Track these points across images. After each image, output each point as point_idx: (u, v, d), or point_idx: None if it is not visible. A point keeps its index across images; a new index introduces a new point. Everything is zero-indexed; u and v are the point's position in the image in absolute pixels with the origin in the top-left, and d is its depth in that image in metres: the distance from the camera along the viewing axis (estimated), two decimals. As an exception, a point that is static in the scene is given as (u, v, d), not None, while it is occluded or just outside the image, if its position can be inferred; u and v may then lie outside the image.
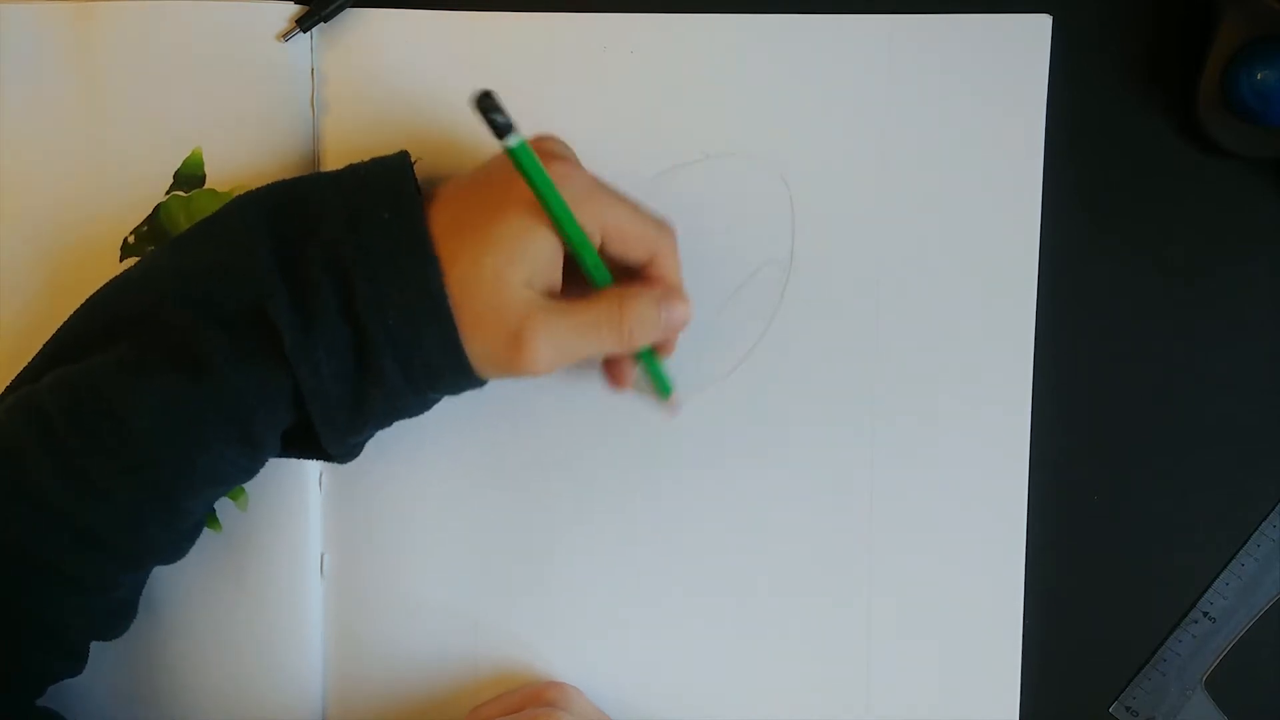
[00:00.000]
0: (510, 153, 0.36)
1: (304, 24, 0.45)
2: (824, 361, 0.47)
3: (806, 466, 0.47)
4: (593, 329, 0.39)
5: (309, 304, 0.37)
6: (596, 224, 0.39)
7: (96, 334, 0.39)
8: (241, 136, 0.45)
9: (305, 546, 0.47)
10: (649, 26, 0.46)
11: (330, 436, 0.39)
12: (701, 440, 0.47)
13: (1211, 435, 0.48)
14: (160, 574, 0.46)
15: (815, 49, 0.46)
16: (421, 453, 0.47)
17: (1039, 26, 0.46)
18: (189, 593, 0.46)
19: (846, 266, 0.47)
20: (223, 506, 0.46)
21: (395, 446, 0.47)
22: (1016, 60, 0.46)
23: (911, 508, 0.47)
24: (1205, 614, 0.48)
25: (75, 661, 0.41)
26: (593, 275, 0.40)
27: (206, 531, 0.46)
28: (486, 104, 0.34)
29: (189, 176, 0.46)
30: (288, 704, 0.47)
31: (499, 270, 0.37)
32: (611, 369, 0.45)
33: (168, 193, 0.46)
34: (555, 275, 0.39)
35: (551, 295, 0.39)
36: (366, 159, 0.41)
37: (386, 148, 0.46)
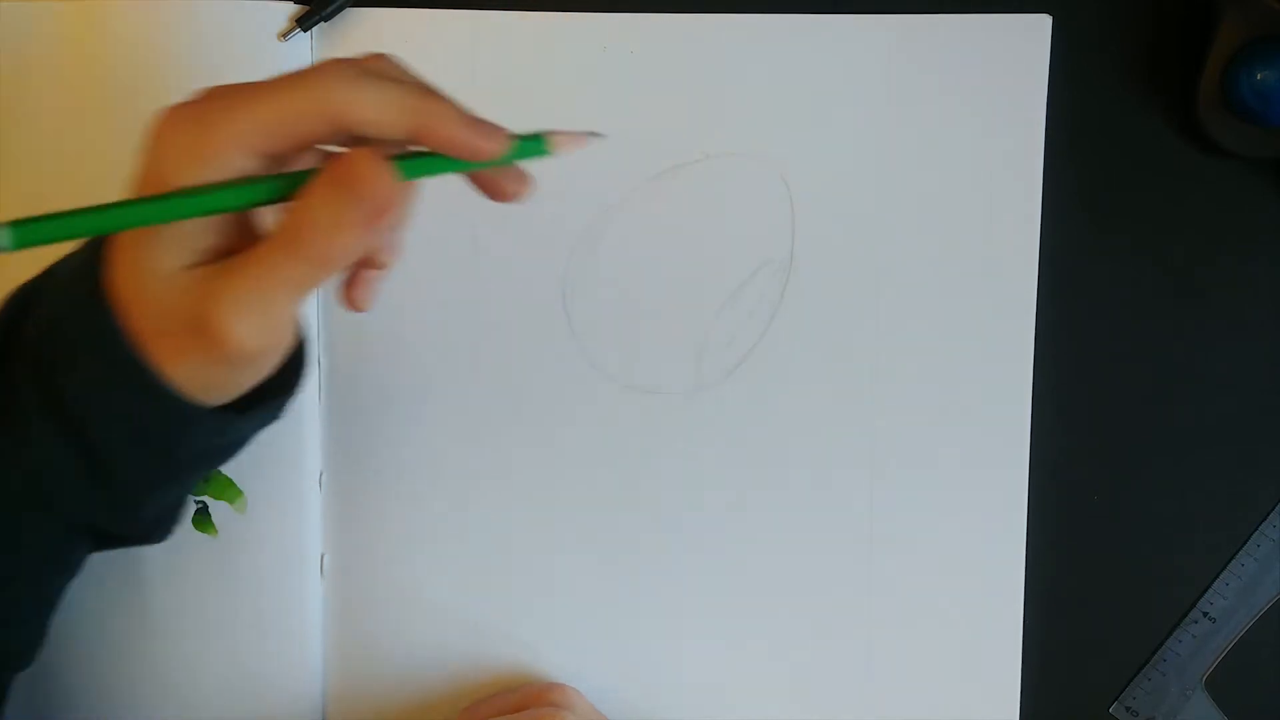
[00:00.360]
0: (24, 247, 0.29)
1: (304, 23, 0.45)
2: (824, 361, 0.47)
3: (806, 466, 0.47)
4: (270, 273, 0.30)
5: (9, 411, 0.33)
6: (229, 161, 0.29)
7: None
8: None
9: (305, 546, 0.47)
10: (649, 26, 0.46)
11: (120, 524, 0.35)
12: (701, 440, 0.47)
13: (1211, 435, 0.48)
14: (160, 574, 0.46)
15: (815, 49, 0.46)
16: (421, 453, 0.47)
17: (1039, 26, 0.46)
18: (189, 593, 0.46)
19: (846, 266, 0.47)
20: (221, 509, 0.46)
21: (395, 447, 0.47)
22: (1016, 60, 0.46)
23: (911, 508, 0.47)
24: (1205, 614, 0.48)
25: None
26: (269, 203, 0.31)
27: (204, 534, 0.46)
28: None
29: (187, 176, 0.45)
30: (288, 704, 0.47)
31: (152, 268, 0.30)
32: (346, 291, 0.36)
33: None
34: (221, 231, 0.31)
35: (229, 253, 0.31)
36: None
37: (386, 147, 0.46)
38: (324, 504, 0.47)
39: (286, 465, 0.46)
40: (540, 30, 0.46)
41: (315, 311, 0.47)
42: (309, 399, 0.46)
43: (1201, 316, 0.47)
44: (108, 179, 0.44)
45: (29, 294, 0.35)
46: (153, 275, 0.30)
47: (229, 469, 0.46)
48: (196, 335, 0.30)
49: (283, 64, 0.45)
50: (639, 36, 0.46)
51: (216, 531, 0.46)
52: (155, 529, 0.38)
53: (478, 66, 0.46)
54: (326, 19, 0.45)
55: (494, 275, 0.47)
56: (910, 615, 0.47)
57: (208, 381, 0.32)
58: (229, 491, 0.46)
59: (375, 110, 0.30)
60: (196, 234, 0.30)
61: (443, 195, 0.47)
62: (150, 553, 0.46)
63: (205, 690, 0.46)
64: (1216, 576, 0.48)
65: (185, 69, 0.45)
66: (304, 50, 0.46)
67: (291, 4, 0.46)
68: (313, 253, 0.30)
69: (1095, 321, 0.47)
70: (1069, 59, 0.46)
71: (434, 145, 0.31)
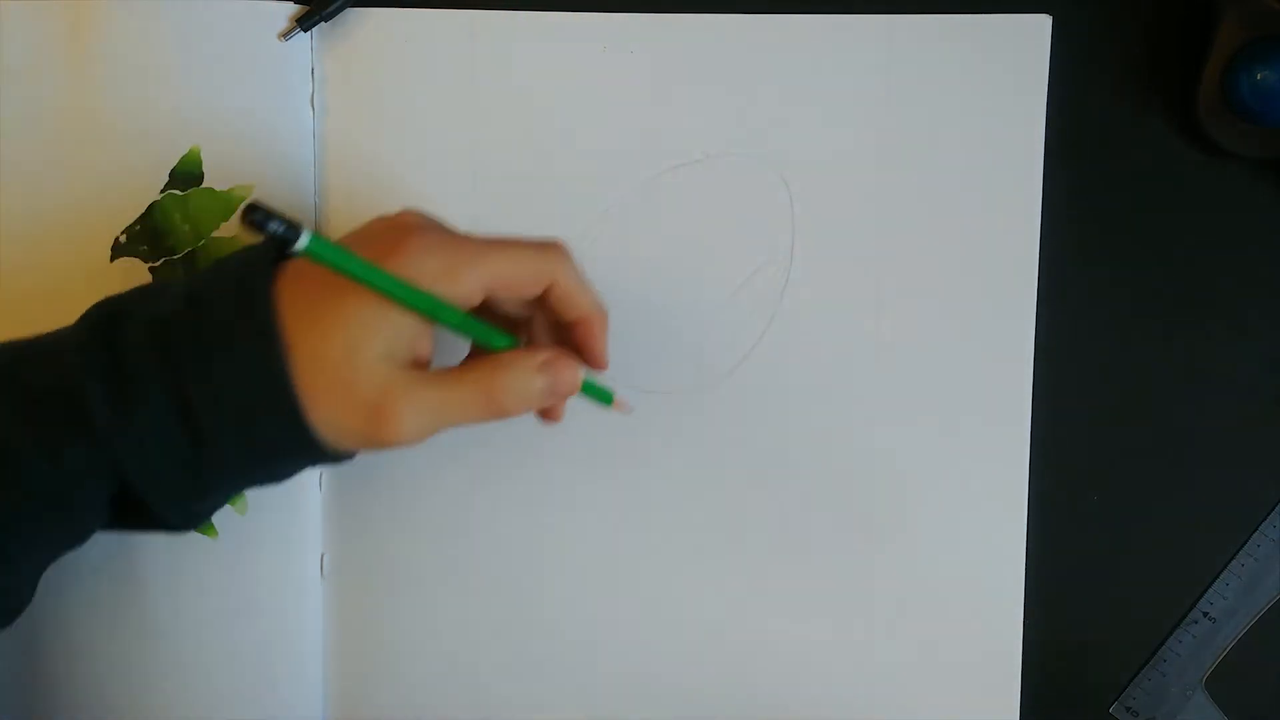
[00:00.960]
0: (309, 256, 0.33)
1: (304, 23, 0.45)
2: (824, 361, 0.47)
3: (806, 466, 0.47)
4: (457, 404, 0.37)
5: (127, 382, 0.35)
6: (474, 288, 0.36)
7: None
8: (241, 135, 0.45)
9: (305, 546, 0.47)
10: (649, 26, 0.46)
11: (169, 509, 0.37)
12: (701, 440, 0.47)
13: (1211, 435, 0.48)
14: (160, 574, 0.46)
15: (815, 49, 0.46)
16: (421, 452, 0.47)
17: (1039, 26, 0.46)
18: (189, 593, 0.46)
19: (846, 266, 0.47)
20: (222, 509, 0.46)
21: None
22: (1016, 60, 0.46)
23: (911, 507, 0.47)
24: (1205, 614, 0.48)
25: None
26: (480, 342, 0.38)
27: (204, 536, 0.46)
28: (258, 218, 0.31)
29: (186, 175, 0.46)
30: (288, 704, 0.47)
31: (351, 347, 0.35)
32: (540, 413, 0.42)
33: (163, 191, 0.46)
34: (423, 346, 0.37)
35: (420, 365, 0.37)
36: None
37: (386, 146, 0.46)
38: (324, 504, 0.47)
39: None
40: (540, 30, 0.46)
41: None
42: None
43: (1201, 317, 0.47)
44: (109, 179, 0.44)
45: (154, 290, 0.37)
46: (355, 351, 0.35)
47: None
48: (367, 413, 0.36)
49: (283, 64, 0.45)
50: (639, 36, 0.46)
51: (217, 533, 0.46)
52: (196, 522, 0.40)
53: (478, 66, 0.46)
54: (327, 19, 0.45)
55: (494, 275, 0.47)
56: (910, 615, 0.47)
57: (340, 437, 0.36)
58: (229, 491, 0.46)
59: (579, 295, 0.39)
60: (410, 339, 0.36)
61: (443, 194, 0.47)
62: (150, 553, 0.46)
63: (205, 690, 0.46)
64: (1216, 576, 0.48)
65: (186, 69, 0.45)
66: (304, 49, 0.46)
67: (291, 4, 0.46)
68: (498, 407, 0.37)
69: (1095, 322, 0.47)
70: (1069, 59, 0.46)
71: (584, 342, 0.40)
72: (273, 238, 0.32)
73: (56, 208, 0.45)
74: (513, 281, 0.37)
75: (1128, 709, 0.48)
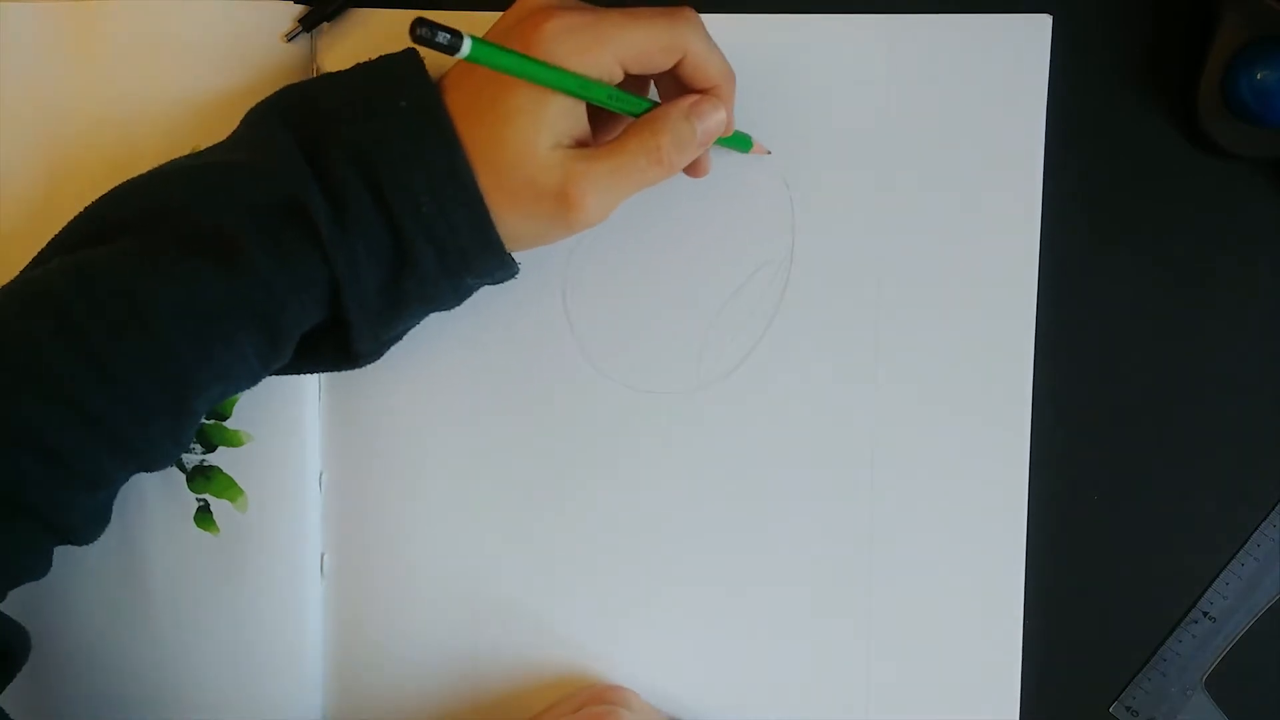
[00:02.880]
0: (472, 61, 0.35)
1: (307, 23, 0.45)
2: (824, 361, 0.47)
3: (806, 466, 0.47)
4: (633, 167, 0.39)
5: (341, 196, 0.37)
6: (611, 64, 0.38)
7: (110, 227, 0.38)
8: (241, 136, 0.45)
9: (305, 546, 0.47)
10: (649, 26, 0.46)
11: (363, 331, 0.39)
12: (701, 440, 0.47)
13: (1211, 435, 0.48)
14: (160, 573, 0.46)
15: (815, 49, 0.46)
16: (421, 453, 0.47)
17: (1039, 26, 0.46)
18: (189, 593, 0.46)
19: (846, 267, 0.47)
20: (221, 508, 0.46)
21: (395, 447, 0.47)
22: (1016, 60, 0.46)
23: (911, 507, 0.47)
24: (1205, 614, 0.48)
25: (43, 562, 0.40)
26: (621, 111, 0.40)
27: (205, 534, 0.46)
28: (424, 33, 0.32)
29: (188, 176, 0.46)
30: (288, 704, 0.47)
31: (521, 141, 0.37)
32: (687, 168, 0.44)
33: (166, 192, 0.46)
34: (581, 126, 0.39)
35: (584, 144, 0.39)
36: (374, 59, 0.41)
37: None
38: (324, 504, 0.47)
39: (286, 465, 0.46)
40: (540, 30, 0.46)
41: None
42: (309, 399, 0.46)
43: (1201, 316, 0.47)
44: (109, 179, 0.44)
45: (317, 100, 0.40)
46: (526, 145, 0.37)
47: (230, 468, 0.46)
48: (553, 202, 0.38)
49: (285, 65, 0.45)
50: (639, 36, 0.46)
51: (218, 530, 0.46)
52: (378, 353, 0.42)
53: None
54: (330, 18, 0.45)
55: (494, 275, 0.47)
56: (910, 615, 0.47)
57: (520, 236, 0.39)
58: (230, 490, 0.46)
59: (709, 62, 0.40)
60: (569, 122, 0.38)
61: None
62: (150, 551, 0.46)
63: (205, 690, 0.46)
64: (1216, 576, 0.48)
65: (188, 69, 0.45)
66: (305, 48, 0.46)
67: (294, 4, 0.46)
68: (664, 157, 0.39)
69: (1095, 321, 0.47)
70: (1069, 59, 0.46)
71: (714, 110, 0.41)
72: (440, 48, 0.33)
73: (56, 208, 0.45)
74: (648, 54, 0.39)
75: (1128, 709, 0.48)
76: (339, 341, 0.40)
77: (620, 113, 0.40)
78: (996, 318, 0.47)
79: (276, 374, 0.41)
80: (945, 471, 0.47)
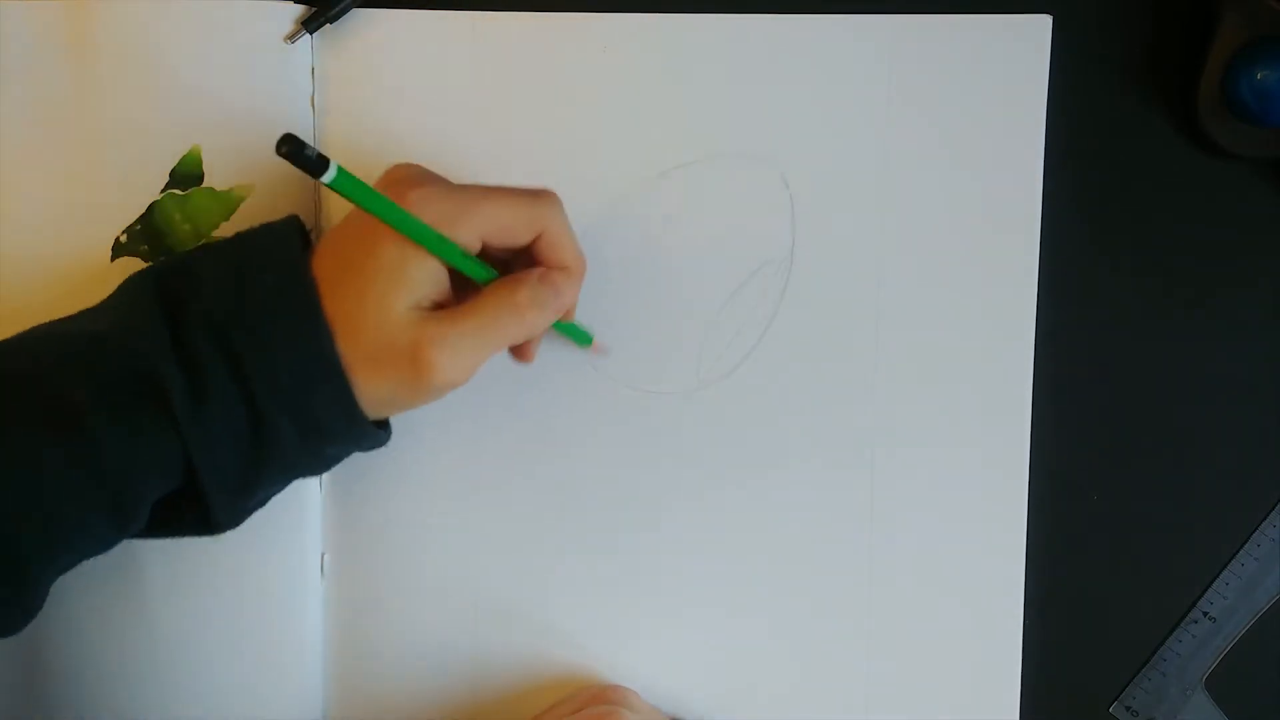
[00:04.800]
0: (335, 188, 0.34)
1: (309, 25, 0.45)
2: (824, 361, 0.47)
3: (806, 467, 0.47)
4: (493, 325, 0.39)
5: (199, 370, 0.36)
6: (472, 235, 0.39)
7: None
8: (241, 135, 0.45)
9: (305, 546, 0.47)
10: (649, 27, 0.46)
11: (220, 502, 0.38)
12: (701, 440, 0.47)
13: (1211, 435, 0.48)
14: (160, 574, 0.46)
15: (815, 49, 0.46)
16: (422, 452, 0.47)
17: (1039, 26, 0.46)
18: (189, 593, 0.46)
19: (846, 267, 0.47)
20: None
21: (396, 446, 0.47)
22: (1016, 60, 0.46)
23: (911, 508, 0.47)
24: (1205, 614, 0.48)
25: None
26: (478, 279, 0.40)
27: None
28: (291, 148, 0.32)
29: (186, 175, 0.46)
30: (288, 704, 0.47)
31: (382, 303, 0.37)
32: (515, 350, 0.44)
33: (163, 191, 0.46)
34: (442, 290, 0.39)
35: (444, 307, 0.39)
36: (256, 225, 0.40)
37: (387, 146, 0.46)
38: (324, 504, 0.47)
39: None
40: (540, 30, 0.46)
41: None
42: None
43: (1201, 316, 0.47)
44: (109, 179, 0.44)
45: (190, 271, 0.39)
46: (385, 305, 0.37)
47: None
48: (408, 364, 0.37)
49: (284, 64, 0.45)
50: (639, 37, 0.46)
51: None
52: (236, 521, 0.41)
53: (478, 66, 0.46)
54: (332, 20, 0.45)
55: (494, 275, 0.47)
56: (910, 615, 0.47)
57: (386, 403, 0.39)
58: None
59: (566, 242, 0.41)
60: (430, 285, 0.38)
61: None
62: (150, 552, 0.46)
63: (205, 690, 0.46)
64: (1216, 576, 0.48)
65: (189, 70, 0.45)
66: (304, 49, 0.46)
67: (296, 6, 0.46)
68: (524, 314, 0.39)
69: (1095, 322, 0.47)
70: (1069, 59, 0.46)
71: (568, 280, 0.42)
72: (304, 166, 0.33)
73: (56, 208, 0.46)
74: (508, 228, 0.39)
75: (1128, 709, 0.48)
76: (198, 510, 0.39)
77: (469, 275, 0.40)
78: (996, 317, 0.47)
79: (136, 538, 0.40)
80: (945, 472, 0.47)
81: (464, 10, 0.46)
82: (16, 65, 0.45)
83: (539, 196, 0.40)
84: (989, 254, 0.47)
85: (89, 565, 0.46)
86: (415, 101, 0.46)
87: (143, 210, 0.46)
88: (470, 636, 0.48)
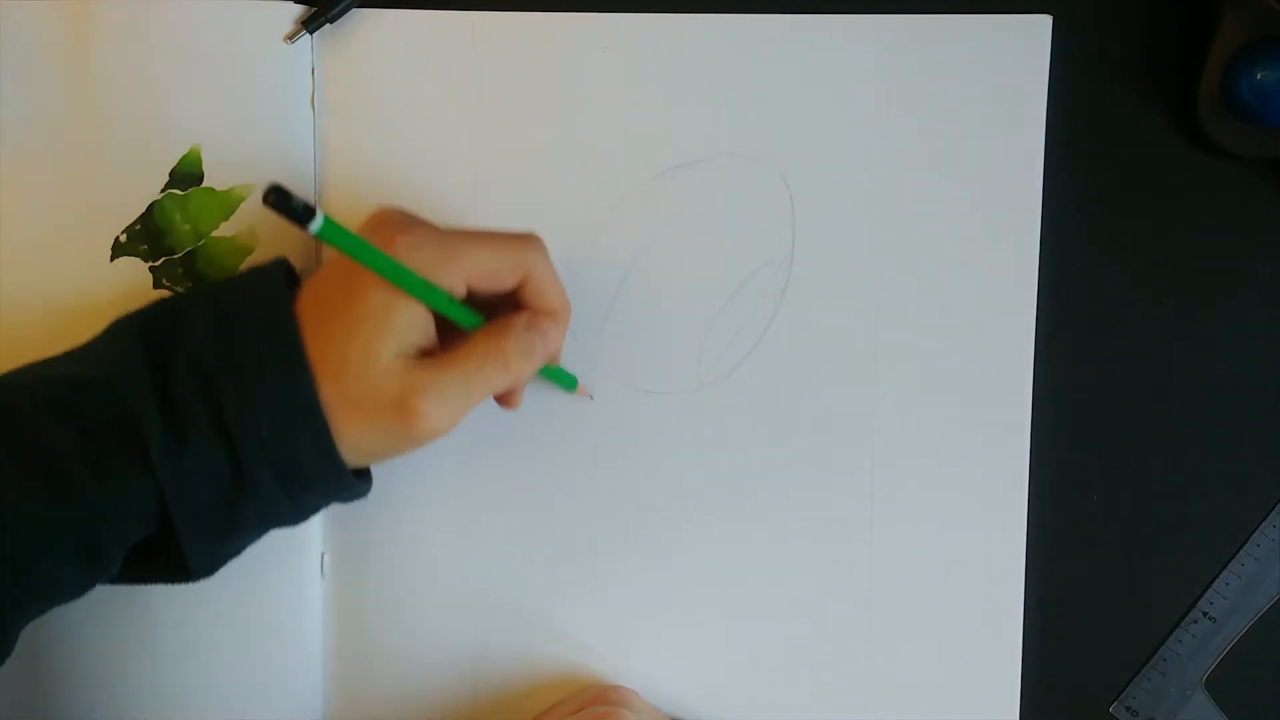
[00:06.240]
0: (322, 238, 0.34)
1: (310, 25, 0.45)
2: (824, 362, 0.47)
3: (806, 466, 0.47)
4: (479, 375, 0.38)
5: (180, 415, 0.36)
6: (458, 279, 0.38)
7: None
8: (241, 135, 0.45)
9: (305, 546, 0.47)
10: (649, 27, 0.46)
11: (196, 549, 0.38)
12: (701, 440, 0.47)
13: (1211, 435, 0.48)
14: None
15: (815, 49, 0.46)
16: (421, 453, 0.47)
17: (1039, 26, 0.46)
18: (188, 593, 0.46)
19: (846, 267, 0.47)
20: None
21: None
22: (1016, 60, 0.46)
23: (912, 508, 0.47)
24: (1205, 614, 0.48)
25: None
26: (464, 325, 0.40)
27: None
28: (278, 198, 0.32)
29: (186, 174, 0.46)
30: (288, 704, 0.47)
31: (367, 349, 0.37)
32: (500, 397, 0.44)
33: (163, 191, 0.46)
34: (429, 337, 0.39)
35: (430, 354, 0.39)
36: (243, 270, 0.40)
37: (386, 146, 0.46)
38: (324, 504, 0.47)
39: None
40: (540, 30, 0.46)
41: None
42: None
43: (1201, 316, 0.47)
44: (109, 179, 0.44)
45: (178, 314, 0.39)
46: (371, 352, 0.37)
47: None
48: (395, 412, 0.37)
49: (284, 64, 0.45)
50: (640, 37, 0.46)
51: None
52: (212, 569, 0.40)
53: (478, 66, 0.46)
54: (332, 20, 0.45)
55: (494, 275, 0.47)
56: (910, 615, 0.47)
57: (368, 451, 0.38)
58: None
59: (550, 287, 0.41)
60: (416, 332, 0.38)
61: (443, 195, 0.47)
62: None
63: (205, 690, 0.46)
64: (1216, 576, 0.48)
65: (186, 68, 0.45)
66: (304, 48, 0.46)
67: (296, 6, 0.46)
68: (510, 362, 0.39)
69: (1095, 322, 0.47)
70: (1069, 59, 0.46)
71: (554, 326, 0.41)
72: (291, 217, 0.32)
73: (56, 208, 0.45)
74: (493, 273, 0.39)
75: (1128, 709, 0.48)
76: (172, 556, 0.38)
77: (457, 322, 0.39)
78: (996, 318, 0.47)
79: (109, 584, 0.39)
80: (945, 471, 0.47)
81: (464, 10, 0.46)
82: (16, 65, 0.45)
83: (524, 240, 0.40)
84: (989, 254, 0.47)
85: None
86: (415, 101, 0.46)
87: (142, 210, 0.46)
88: (470, 637, 0.48)
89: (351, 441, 0.38)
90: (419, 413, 0.37)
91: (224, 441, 0.36)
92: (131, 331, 0.38)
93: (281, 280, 0.39)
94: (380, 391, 0.37)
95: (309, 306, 0.38)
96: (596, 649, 0.47)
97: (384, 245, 0.37)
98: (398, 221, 0.38)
